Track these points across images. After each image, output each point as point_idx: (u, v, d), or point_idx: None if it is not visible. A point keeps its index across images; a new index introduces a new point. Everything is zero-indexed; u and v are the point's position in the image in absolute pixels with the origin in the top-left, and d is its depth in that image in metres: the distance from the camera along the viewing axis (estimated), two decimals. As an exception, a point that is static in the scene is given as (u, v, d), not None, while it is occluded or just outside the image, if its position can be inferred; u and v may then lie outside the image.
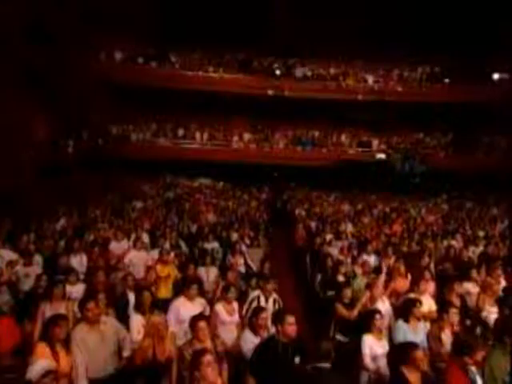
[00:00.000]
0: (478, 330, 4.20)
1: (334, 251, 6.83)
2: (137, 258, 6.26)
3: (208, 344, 3.42)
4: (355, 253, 6.80)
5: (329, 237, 7.79)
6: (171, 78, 17.69)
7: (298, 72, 19.35)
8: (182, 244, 7.43)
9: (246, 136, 19.79)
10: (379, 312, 3.95)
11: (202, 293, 4.94)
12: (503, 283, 5.49)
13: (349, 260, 6.39)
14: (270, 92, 18.14)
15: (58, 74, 13.37)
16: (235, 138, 19.58)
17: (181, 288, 4.74)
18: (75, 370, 3.23)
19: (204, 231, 8.31)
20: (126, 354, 3.57)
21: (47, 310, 4.10)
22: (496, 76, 18.58)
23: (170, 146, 18.66)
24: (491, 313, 4.53)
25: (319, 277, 5.84)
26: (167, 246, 6.84)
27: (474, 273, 5.70)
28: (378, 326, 3.83)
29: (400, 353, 3.07)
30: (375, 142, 19.53)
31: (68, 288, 4.65)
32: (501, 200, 15.95)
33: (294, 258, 8.87)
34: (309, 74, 19.31)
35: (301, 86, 18.44)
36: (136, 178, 17.36)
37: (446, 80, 19.03)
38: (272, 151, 19.06)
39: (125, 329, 3.77)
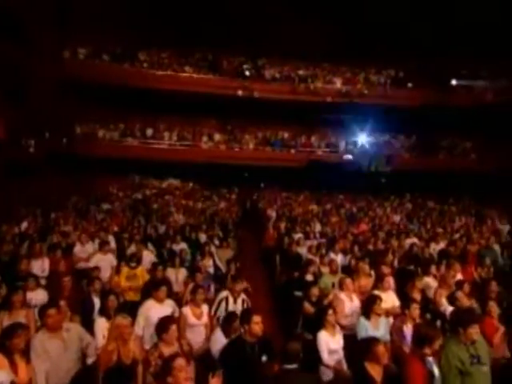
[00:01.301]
0: (437, 322, 4.40)
1: (303, 251, 6.95)
2: (103, 262, 6.11)
3: (175, 348, 3.38)
4: (323, 252, 6.94)
5: (298, 236, 7.91)
6: (139, 76, 17.31)
7: (268, 73, 19.50)
8: (150, 246, 7.32)
9: (216, 136, 19.72)
10: (332, 307, 4.05)
11: (171, 295, 4.91)
12: (460, 277, 5.78)
13: (317, 259, 6.52)
14: (240, 93, 18.14)
15: (19, 71, 12.84)
16: (204, 139, 19.47)
17: (150, 290, 4.67)
18: (35, 381, 3.09)
19: (173, 232, 8.23)
20: (90, 360, 3.48)
21: (5, 318, 3.89)
22: (454, 82, 19.51)
23: (138, 146, 18.26)
24: (447, 305, 4.77)
25: (287, 276, 5.92)
26: (133, 248, 6.71)
27: (433, 269, 5.98)
28: (330, 322, 3.92)
29: (362, 348, 3.16)
30: (343, 143, 19.99)
31: (28, 295, 4.44)
32: (460, 199, 16.79)
33: (263, 257, 8.95)
34: (278, 75, 19.50)
35: (270, 88, 18.57)
36: (103, 179, 16.94)
37: (409, 84, 19.75)
38: (241, 152, 19.06)
39: (90, 335, 3.68)
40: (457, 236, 9.04)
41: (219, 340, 3.67)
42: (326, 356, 3.81)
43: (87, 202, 12.91)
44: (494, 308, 4.14)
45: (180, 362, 2.70)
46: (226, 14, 17.56)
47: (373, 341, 3.21)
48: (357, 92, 18.77)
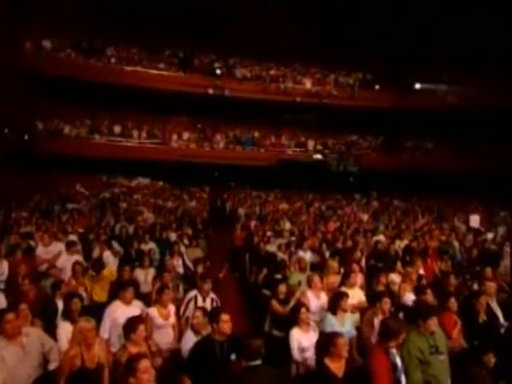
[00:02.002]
0: (401, 316, 4.57)
1: (272, 249, 7.02)
2: (69, 263, 5.90)
3: (143, 348, 3.33)
4: (293, 250, 7.04)
5: (267, 235, 7.98)
6: (107, 72, 16.84)
7: (239, 72, 19.50)
8: (116, 246, 7.16)
9: (186, 135, 19.53)
10: (305, 306, 4.13)
11: (139, 295, 4.83)
12: (422, 273, 6.04)
13: (286, 257, 6.61)
14: (211, 91, 18.05)
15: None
16: (174, 137, 19.22)
17: (116, 291, 4.57)
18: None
19: (141, 232, 8.09)
20: (52, 366, 3.33)
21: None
22: (418, 86, 20.29)
23: (105, 144, 17.77)
24: (410, 299, 4.97)
25: (257, 274, 5.96)
26: (97, 251, 6.54)
27: (398, 264, 6.22)
28: (304, 320, 4.00)
29: (323, 344, 3.21)
30: (312, 143, 20.30)
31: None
32: (423, 198, 17.48)
33: (234, 256, 8.95)
34: (249, 74, 19.54)
35: (241, 87, 18.58)
36: (69, 177, 16.37)
37: (377, 87, 20.33)
38: (212, 151, 18.99)
39: (54, 339, 3.55)
40: (419, 233, 9.41)
41: (189, 338, 3.65)
42: (295, 353, 3.86)
43: (51, 202, 12.44)
44: (453, 302, 4.33)
45: (145, 363, 2.65)
46: (198, 12, 17.42)
47: (333, 335, 3.27)
48: (326, 93, 19.12)
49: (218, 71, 18.95)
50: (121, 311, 4.03)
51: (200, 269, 5.61)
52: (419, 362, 3.38)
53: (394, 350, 3.33)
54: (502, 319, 4.55)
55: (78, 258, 6.15)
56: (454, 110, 18.81)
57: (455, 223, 11.36)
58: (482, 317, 4.44)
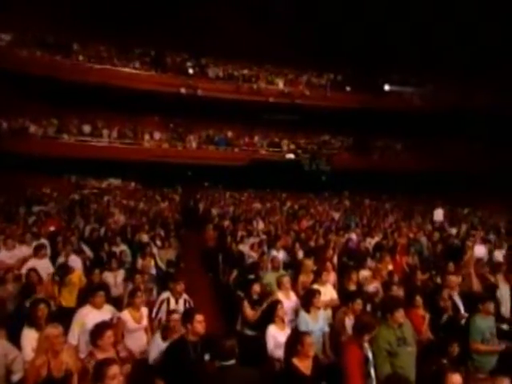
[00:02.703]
0: (369, 309, 4.71)
1: (245, 248, 7.04)
2: (38, 268, 5.69)
3: (111, 354, 3.25)
4: (265, 249, 7.08)
5: (240, 235, 7.99)
6: (75, 69, 16.30)
7: (211, 72, 19.41)
8: (86, 248, 6.98)
9: (158, 135, 19.26)
10: (281, 303, 4.19)
11: (110, 299, 4.73)
12: (391, 268, 6.23)
13: (258, 256, 6.64)
14: (183, 90, 17.87)
15: None
16: (146, 137, 18.92)
17: (86, 296, 4.45)
18: None
19: (112, 234, 7.92)
20: (16, 378, 3.18)
21: None
22: (387, 87, 20.88)
23: (74, 144, 17.24)
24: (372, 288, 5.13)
25: (229, 274, 5.97)
26: (63, 253, 6.34)
27: (369, 261, 6.39)
28: (280, 317, 4.05)
29: (291, 343, 3.26)
30: (285, 143, 20.49)
31: None
32: (392, 197, 18.02)
33: (207, 257, 8.91)
34: (222, 74, 19.49)
35: (214, 86, 18.51)
36: (35, 179, 15.76)
37: (348, 88, 20.76)
38: (185, 150, 18.82)
39: (17, 348, 3.40)
40: (389, 230, 9.69)
41: (156, 342, 3.62)
42: (271, 349, 3.90)
43: (16, 204, 11.95)
44: (419, 300, 4.49)
45: (114, 369, 2.60)
46: (170, 10, 17.19)
47: (301, 335, 3.33)
48: (298, 93, 19.34)
49: (191, 70, 18.82)
50: (91, 316, 3.93)
51: (176, 270, 5.57)
52: (388, 354, 3.50)
53: (366, 344, 3.44)
54: (463, 311, 4.76)
55: (48, 262, 5.96)
56: (420, 112, 19.54)
57: (423, 221, 11.75)
58: (447, 309, 4.64)
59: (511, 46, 17.78)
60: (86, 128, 18.09)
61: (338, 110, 19.51)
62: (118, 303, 4.88)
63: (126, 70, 17.63)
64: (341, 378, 3.34)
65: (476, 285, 5.51)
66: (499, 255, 7.55)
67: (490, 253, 7.90)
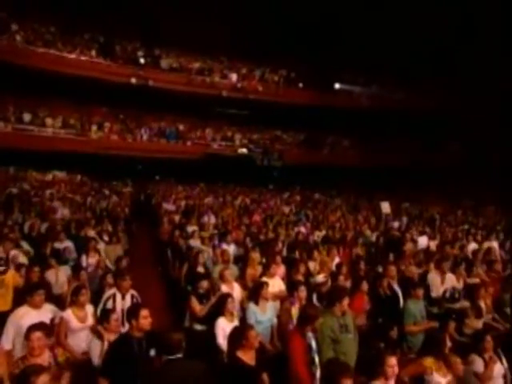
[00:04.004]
0: (315, 300, 4.91)
1: (196, 243, 7.02)
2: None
3: (44, 359, 3.06)
4: (216, 243, 7.11)
5: (192, 229, 7.95)
6: (13, 51, 15.09)
7: (164, 63, 18.92)
8: (25, 245, 6.58)
9: (107, 125, 18.48)
10: (231, 296, 4.25)
11: (52, 298, 4.50)
12: (338, 260, 6.51)
13: (210, 250, 6.66)
14: (134, 81, 17.29)
15: None
16: (94, 128, 18.08)
17: (23, 295, 4.19)
18: None
19: (56, 230, 7.52)
20: None
21: None
22: (337, 86, 21.59)
23: (12, 133, 16.07)
24: (320, 279, 5.35)
25: (181, 269, 5.93)
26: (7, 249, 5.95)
27: (315, 254, 6.62)
28: (229, 309, 4.12)
29: (235, 337, 3.32)
30: (238, 137, 20.54)
31: None
32: (341, 192, 18.74)
33: (158, 251, 8.78)
34: (175, 65, 19.07)
35: (166, 78, 18.09)
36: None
37: (300, 85, 21.19)
38: (135, 143, 18.29)
39: None
40: (337, 224, 10.09)
41: (98, 342, 3.53)
42: (221, 341, 3.93)
43: None
44: (365, 285, 4.79)
45: (42, 378, 2.40)
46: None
47: (245, 328, 3.41)
48: (252, 88, 19.43)
49: (142, 60, 18.22)
50: (28, 317, 3.66)
51: (123, 265, 5.42)
52: (331, 341, 3.68)
53: (310, 334, 3.59)
54: (401, 299, 5.11)
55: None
56: (367, 111, 20.46)
57: (368, 215, 12.35)
58: (387, 296, 4.95)
59: (454, 50, 19.17)
60: (27, 116, 16.92)
61: (290, 106, 19.89)
62: (60, 302, 4.66)
63: (72, 55, 16.67)
64: (286, 366, 3.46)
65: (412, 273, 5.92)
66: (433, 245, 8.15)
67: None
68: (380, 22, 19.35)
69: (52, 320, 3.87)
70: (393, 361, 2.92)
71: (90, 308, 4.10)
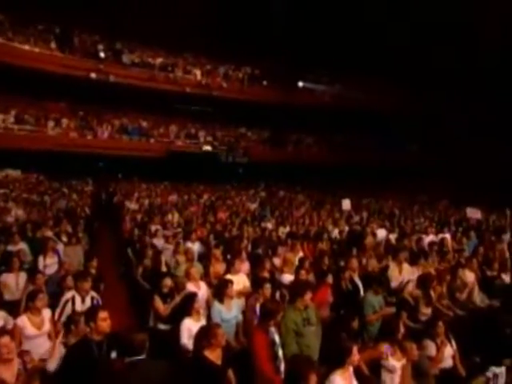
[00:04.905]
0: (278, 297, 4.98)
1: (160, 241, 6.91)
2: None
3: (13, 366, 2.93)
4: (181, 241, 7.03)
5: (155, 227, 7.82)
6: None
7: (126, 58, 18.36)
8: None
9: (65, 122, 17.70)
10: (196, 295, 4.23)
11: (4, 304, 4.27)
12: (302, 255, 6.63)
13: (173, 248, 6.58)
14: (93, 75, 16.66)
15: None
16: (51, 124, 17.26)
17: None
18: None
19: (9, 231, 7.15)
20: None
21: None
22: (301, 84, 21.89)
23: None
24: (286, 279, 5.44)
25: (141, 268, 5.82)
26: None
27: (280, 249, 6.70)
28: (196, 309, 4.10)
29: (202, 336, 3.30)
30: (202, 134, 20.35)
31: None
32: (305, 188, 19.08)
33: (120, 251, 8.57)
34: (137, 61, 18.55)
35: (128, 73, 17.59)
36: None
37: (264, 82, 21.29)
38: (96, 140, 17.65)
39: None
40: (301, 220, 10.27)
41: (56, 347, 3.41)
42: (186, 341, 3.90)
43: None
44: (330, 278, 4.94)
45: None
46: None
47: (212, 327, 3.42)
48: (216, 85, 19.30)
49: (102, 54, 17.57)
50: None
51: (84, 267, 5.24)
52: (295, 335, 3.76)
53: (273, 329, 3.65)
54: (362, 291, 5.29)
55: None
56: (330, 109, 20.93)
57: (332, 210, 12.66)
58: (348, 289, 5.12)
59: (414, 52, 19.99)
60: (-26, 111, 15.91)
61: (255, 103, 19.94)
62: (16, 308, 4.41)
63: (26, 46, 15.79)
64: (251, 362, 3.50)
65: (373, 266, 6.15)
66: (392, 238, 8.49)
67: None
68: (343, 22, 19.87)
69: (2, 328, 3.65)
70: (354, 350, 3.04)
71: (47, 313, 3.92)
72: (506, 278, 6.04)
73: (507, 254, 7.10)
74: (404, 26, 19.55)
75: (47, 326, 3.81)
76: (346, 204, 11.65)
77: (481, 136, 20.02)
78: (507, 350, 4.13)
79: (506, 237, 8.75)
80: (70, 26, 17.45)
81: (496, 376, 3.60)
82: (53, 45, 16.76)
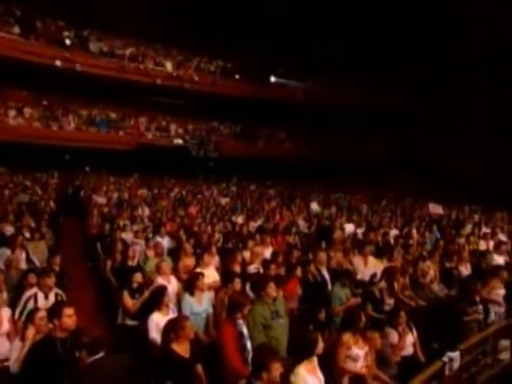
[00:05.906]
0: (248, 290, 5.03)
1: (129, 236, 6.80)
2: None
3: None
4: (150, 236, 6.95)
5: (123, 222, 7.68)
6: None
7: (93, 46, 17.68)
8: None
9: (28, 111, 16.91)
10: (166, 288, 4.20)
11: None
12: (271, 249, 6.71)
13: (143, 243, 6.49)
14: (58, 63, 15.95)
15: None
16: (12, 113, 16.44)
17: None
18: None
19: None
20: None
21: None
22: (273, 79, 21.95)
23: None
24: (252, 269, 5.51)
25: (110, 263, 5.71)
26: None
27: (250, 243, 6.76)
28: (166, 303, 4.07)
29: (170, 329, 3.29)
30: (173, 127, 20.02)
31: None
32: (276, 183, 19.25)
33: (88, 246, 8.37)
34: (105, 50, 17.93)
35: (96, 62, 16.95)
36: None
37: (236, 76, 21.18)
38: (61, 132, 16.98)
39: None
40: (272, 214, 10.37)
41: (17, 346, 3.30)
42: (154, 335, 3.87)
43: None
44: (299, 270, 5.03)
45: None
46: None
47: (180, 319, 3.42)
48: (188, 77, 19.01)
49: (68, 41, 16.84)
50: None
51: (49, 262, 5.07)
52: (263, 327, 3.82)
53: (240, 321, 3.69)
54: (329, 284, 5.43)
55: None
56: (301, 104, 21.14)
57: (302, 205, 12.88)
58: (315, 281, 5.23)
59: (388, 47, 20.47)
60: None
61: (227, 97, 19.81)
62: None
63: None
64: (220, 354, 3.53)
65: (340, 259, 6.31)
66: (360, 232, 8.75)
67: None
68: (316, 18, 20.04)
69: None
70: (320, 341, 3.13)
71: (6, 312, 3.78)
72: (463, 269, 6.39)
73: (466, 247, 7.50)
74: (377, 24, 20.00)
75: (6, 326, 3.67)
76: (314, 206, 12.07)
77: (446, 134, 20.88)
78: (462, 336, 4.41)
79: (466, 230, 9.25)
80: (32, 9, 16.60)
81: (451, 360, 3.81)
82: (16, 30, 15.90)
